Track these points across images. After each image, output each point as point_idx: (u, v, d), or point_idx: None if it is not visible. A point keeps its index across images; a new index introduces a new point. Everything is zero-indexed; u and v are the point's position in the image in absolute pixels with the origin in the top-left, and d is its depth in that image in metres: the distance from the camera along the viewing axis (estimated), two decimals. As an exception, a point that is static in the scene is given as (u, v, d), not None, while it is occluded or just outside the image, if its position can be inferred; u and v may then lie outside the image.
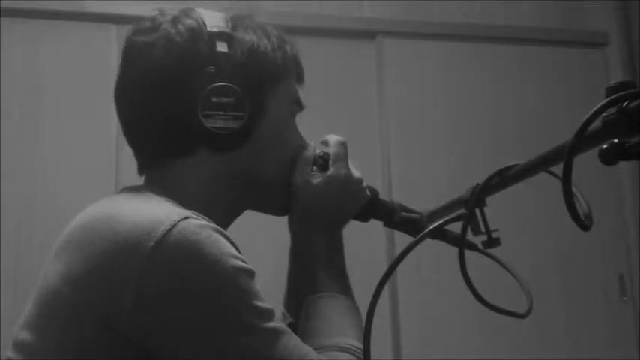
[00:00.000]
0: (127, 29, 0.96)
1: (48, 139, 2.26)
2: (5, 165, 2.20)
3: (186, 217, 0.77)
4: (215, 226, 0.79)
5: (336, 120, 2.43)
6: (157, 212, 0.78)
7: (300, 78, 0.99)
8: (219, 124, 0.87)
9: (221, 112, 0.87)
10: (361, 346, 0.86)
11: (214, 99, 0.87)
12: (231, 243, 0.80)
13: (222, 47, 0.89)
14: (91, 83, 2.26)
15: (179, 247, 0.74)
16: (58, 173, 2.24)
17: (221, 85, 0.87)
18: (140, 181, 0.95)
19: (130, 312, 0.73)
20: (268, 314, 0.79)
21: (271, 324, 0.78)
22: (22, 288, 2.02)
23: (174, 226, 0.75)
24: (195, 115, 0.86)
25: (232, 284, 0.76)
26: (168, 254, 0.74)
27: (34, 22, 2.33)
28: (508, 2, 2.74)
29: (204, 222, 0.78)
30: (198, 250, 0.75)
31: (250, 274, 0.79)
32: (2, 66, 2.26)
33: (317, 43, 2.50)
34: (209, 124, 0.87)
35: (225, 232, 0.80)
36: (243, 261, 0.79)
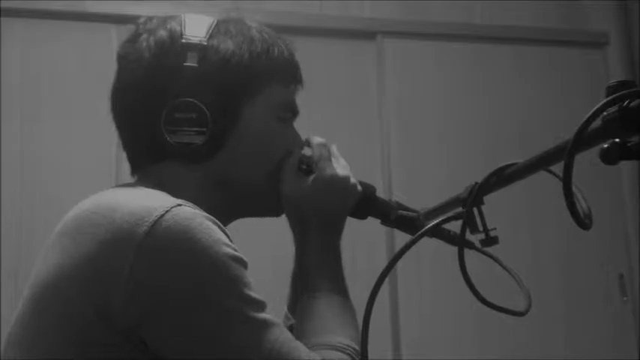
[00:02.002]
0: (126, 29, 0.97)
1: (48, 139, 2.26)
2: (5, 165, 2.20)
3: (180, 205, 0.78)
4: (208, 215, 0.80)
5: (336, 120, 2.43)
6: (150, 200, 0.79)
7: (293, 80, 0.99)
8: (184, 139, 0.89)
9: (185, 128, 0.89)
10: (355, 346, 0.86)
11: (177, 115, 0.89)
12: (225, 233, 0.80)
13: (192, 60, 0.90)
14: (91, 83, 2.26)
15: (171, 233, 0.75)
16: (58, 173, 2.24)
17: (184, 101, 0.89)
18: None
19: (124, 299, 0.73)
20: (260, 305, 0.79)
21: (262, 315, 0.78)
22: (22, 288, 2.02)
23: (167, 211, 0.76)
24: (160, 130, 0.89)
25: (223, 271, 0.76)
26: (160, 240, 0.74)
27: (34, 22, 2.33)
28: (508, 2, 2.74)
29: (197, 210, 0.79)
30: (190, 236, 0.75)
31: (242, 263, 0.79)
32: (2, 66, 2.26)
33: (317, 43, 2.50)
34: (173, 139, 0.89)
35: (218, 222, 0.80)
36: (235, 250, 0.79)
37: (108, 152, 2.22)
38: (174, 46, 0.91)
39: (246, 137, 0.93)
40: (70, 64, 2.33)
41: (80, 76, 2.31)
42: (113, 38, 2.30)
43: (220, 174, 0.92)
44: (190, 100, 0.88)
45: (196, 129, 0.89)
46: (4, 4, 2.28)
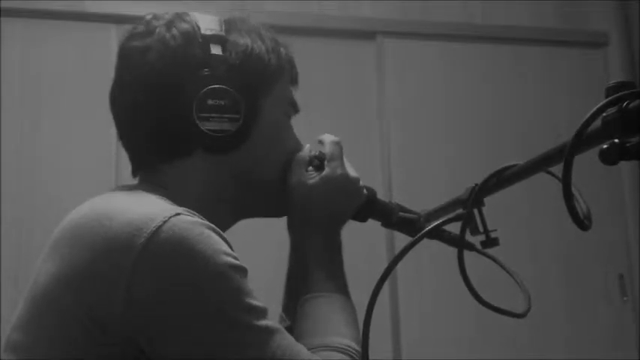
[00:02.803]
0: (132, 28, 0.96)
1: (48, 139, 2.26)
2: (5, 165, 2.20)
3: (178, 214, 0.77)
4: (207, 223, 0.79)
5: (336, 120, 2.43)
6: (148, 209, 0.78)
7: (294, 80, 0.99)
8: (215, 126, 0.88)
9: (217, 114, 0.87)
10: (356, 346, 0.86)
11: (210, 101, 0.87)
12: (224, 240, 0.79)
13: (216, 50, 0.90)
14: (91, 83, 2.26)
15: (170, 244, 0.74)
16: (58, 173, 2.24)
17: (216, 88, 0.88)
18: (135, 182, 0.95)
19: (121, 310, 0.73)
20: (261, 312, 0.78)
21: (263, 322, 0.78)
22: (22, 288, 2.01)
23: (165, 222, 0.75)
24: (191, 117, 0.87)
25: (223, 281, 0.76)
26: (158, 250, 0.74)
27: (34, 22, 2.33)
28: (508, 2, 2.74)
29: (196, 219, 0.78)
30: (189, 247, 0.74)
31: (242, 271, 0.79)
32: (2, 66, 2.26)
33: (317, 43, 2.50)
34: (205, 126, 0.87)
35: (218, 230, 0.80)
36: (235, 258, 0.78)
37: (108, 152, 2.22)
38: (197, 38, 0.90)
39: (264, 130, 0.92)
40: (70, 64, 2.33)
41: (80, 76, 2.31)
42: (113, 38, 2.30)
43: (240, 166, 0.91)
44: (222, 86, 0.88)
45: (229, 115, 0.88)
46: (4, 4, 2.28)
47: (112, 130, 0.95)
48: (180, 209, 0.78)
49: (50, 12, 2.33)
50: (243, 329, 0.76)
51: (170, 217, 0.76)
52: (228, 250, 0.78)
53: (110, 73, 0.95)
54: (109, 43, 2.29)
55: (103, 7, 2.36)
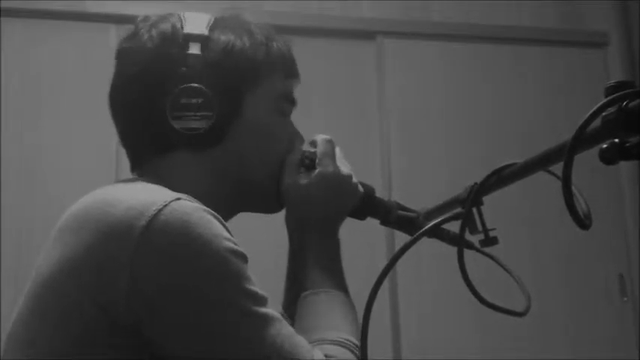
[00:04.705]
0: (126, 29, 0.97)
1: (48, 138, 2.27)
2: (5, 165, 2.21)
3: (179, 199, 0.78)
4: (208, 209, 0.79)
5: (336, 120, 2.43)
6: (150, 195, 0.78)
7: (291, 74, 0.99)
8: (189, 124, 0.89)
9: (190, 113, 0.89)
10: (355, 341, 0.86)
11: (183, 100, 0.89)
12: (225, 227, 0.80)
13: (195, 49, 0.91)
14: (91, 83, 2.26)
15: (170, 227, 0.74)
16: (58, 173, 2.24)
17: (189, 87, 0.89)
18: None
19: (124, 296, 0.73)
20: (261, 299, 0.79)
21: (263, 309, 0.78)
22: (22, 288, 2.01)
23: (165, 206, 0.76)
24: (166, 116, 0.88)
25: (223, 265, 0.76)
26: (159, 234, 0.74)
27: (34, 22, 2.33)
28: (508, 2, 2.74)
29: (196, 204, 0.79)
30: (189, 231, 0.75)
31: (242, 257, 0.79)
32: (2, 66, 2.26)
33: (317, 43, 2.50)
34: (179, 124, 0.89)
35: (218, 216, 0.80)
36: (235, 244, 0.79)
37: (108, 152, 2.22)
38: (176, 37, 0.91)
39: (249, 126, 0.93)
40: (70, 64, 2.33)
41: (80, 76, 2.32)
42: (113, 38, 2.31)
43: (224, 164, 0.92)
44: (195, 85, 0.89)
45: (202, 113, 0.89)
46: (4, 4, 2.28)
47: (112, 130, 0.96)
48: (181, 195, 0.79)
49: (50, 12, 2.33)
50: (242, 314, 0.76)
51: (171, 202, 0.76)
52: (229, 236, 0.79)
53: (110, 74, 0.96)
54: (109, 43, 2.29)
55: (103, 7, 2.36)
